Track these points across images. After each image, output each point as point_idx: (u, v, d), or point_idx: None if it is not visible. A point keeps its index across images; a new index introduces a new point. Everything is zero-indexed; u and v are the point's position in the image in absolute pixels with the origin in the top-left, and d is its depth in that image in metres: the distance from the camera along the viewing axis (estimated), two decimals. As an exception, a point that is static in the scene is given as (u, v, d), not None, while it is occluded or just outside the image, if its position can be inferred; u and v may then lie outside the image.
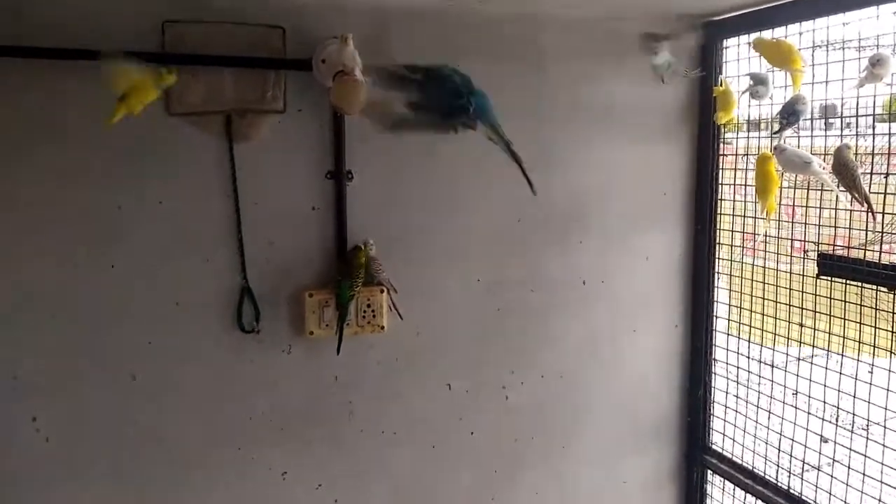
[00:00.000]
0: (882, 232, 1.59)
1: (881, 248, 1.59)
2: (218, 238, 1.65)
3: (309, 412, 1.79)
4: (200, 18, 1.56)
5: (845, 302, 1.65)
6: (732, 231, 2.01)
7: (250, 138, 1.65)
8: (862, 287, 1.62)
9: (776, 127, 1.74)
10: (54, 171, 1.52)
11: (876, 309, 1.60)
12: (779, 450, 1.88)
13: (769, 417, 1.91)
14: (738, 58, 1.91)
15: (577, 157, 1.95)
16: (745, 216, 1.96)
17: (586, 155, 1.96)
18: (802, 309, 1.77)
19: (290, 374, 1.76)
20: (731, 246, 2.02)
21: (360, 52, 1.56)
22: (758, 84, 1.75)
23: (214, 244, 1.66)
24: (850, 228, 1.66)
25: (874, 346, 1.61)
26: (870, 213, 1.55)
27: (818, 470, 1.76)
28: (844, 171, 1.50)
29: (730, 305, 2.07)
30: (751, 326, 1.95)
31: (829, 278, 1.68)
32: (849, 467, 1.67)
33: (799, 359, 1.80)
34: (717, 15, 1.92)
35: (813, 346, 1.76)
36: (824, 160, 1.64)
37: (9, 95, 1.47)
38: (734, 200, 2.00)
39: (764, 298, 1.89)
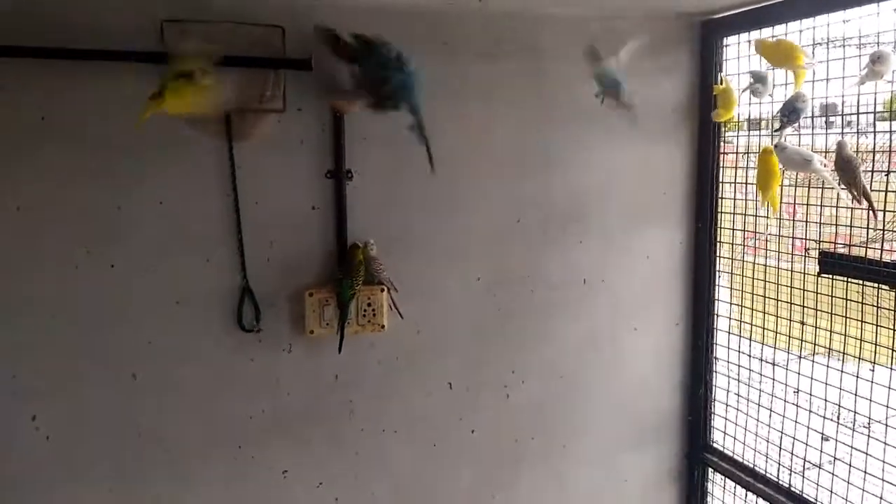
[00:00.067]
0: (883, 230, 1.59)
1: (882, 246, 1.59)
2: (218, 237, 1.66)
3: (309, 411, 1.79)
4: (200, 18, 1.56)
5: (846, 300, 1.65)
6: (733, 229, 2.01)
7: (250, 138, 1.65)
8: (863, 285, 1.62)
9: (776, 125, 1.73)
10: (54, 170, 1.52)
11: (877, 307, 1.60)
12: (780, 448, 1.87)
13: (770, 415, 1.90)
14: (739, 56, 1.91)
15: (577, 156, 1.95)
16: (745, 214, 1.96)
17: (586, 154, 1.96)
18: (804, 307, 1.77)
19: (291, 373, 1.76)
20: (732, 244, 2.02)
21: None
22: (758, 82, 1.74)
23: (214, 243, 1.66)
24: (851, 226, 1.65)
25: (875, 344, 1.60)
26: (870, 211, 1.54)
27: (819, 468, 1.76)
28: (847, 166, 1.50)
29: (731, 304, 2.06)
30: (752, 325, 1.95)
31: (831, 276, 1.67)
32: (850, 465, 1.66)
33: (800, 357, 1.80)
34: (717, 13, 1.92)
35: (814, 345, 1.75)
36: (825, 158, 1.64)
37: (8, 95, 1.47)
38: (735, 199, 2.00)
39: (765, 297, 1.89)
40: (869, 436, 1.63)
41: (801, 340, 1.78)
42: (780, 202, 1.74)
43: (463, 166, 1.84)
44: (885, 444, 1.59)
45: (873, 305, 1.60)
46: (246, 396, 1.73)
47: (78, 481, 1.62)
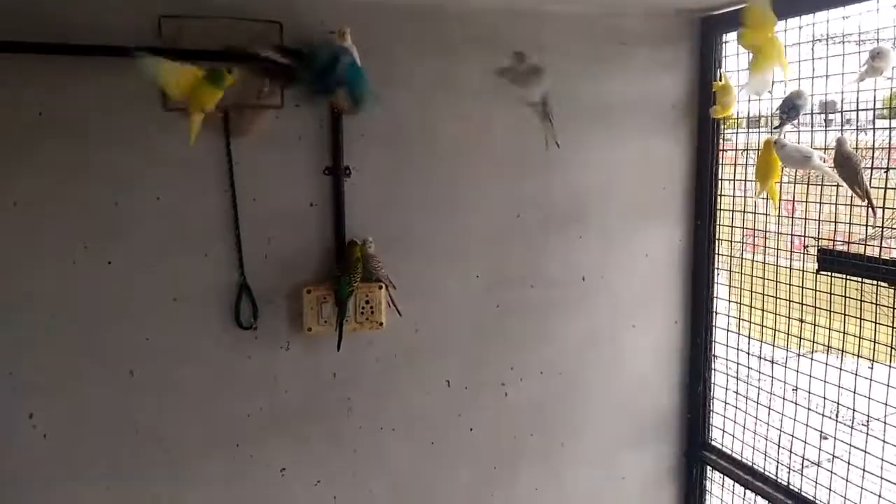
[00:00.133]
0: (882, 227, 1.59)
1: (881, 244, 1.58)
2: (215, 234, 1.65)
3: (307, 409, 1.78)
4: (198, 13, 1.55)
5: (845, 298, 1.64)
6: (732, 227, 2.01)
7: (248, 134, 1.64)
8: (862, 282, 1.62)
9: (776, 122, 1.73)
10: (53, 167, 1.52)
11: (876, 304, 1.60)
12: (779, 446, 1.87)
13: (769, 413, 1.90)
14: (738, 52, 1.90)
15: (576, 153, 1.95)
16: (744, 212, 1.95)
17: (586, 151, 1.96)
18: (802, 305, 1.77)
19: (289, 370, 1.76)
20: (731, 242, 2.02)
21: (357, 46, 1.55)
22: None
23: (212, 240, 1.65)
24: (850, 224, 1.65)
25: (874, 342, 1.60)
26: (870, 209, 1.54)
27: (818, 466, 1.76)
28: (847, 163, 1.49)
29: (730, 301, 2.06)
30: (751, 322, 1.94)
31: (830, 274, 1.67)
32: (849, 463, 1.66)
33: (799, 354, 1.79)
34: (716, 10, 1.92)
35: (813, 342, 1.75)
36: (825, 154, 1.63)
37: (7, 92, 1.46)
38: (734, 196, 2.00)
39: (764, 294, 1.89)
40: (868, 433, 1.62)
41: (800, 338, 1.78)
42: (780, 199, 1.74)
43: (462, 163, 1.84)
44: (883, 441, 1.59)
45: (872, 303, 1.60)
46: (244, 394, 1.72)
47: (76, 479, 1.61)
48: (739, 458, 2.02)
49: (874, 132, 1.61)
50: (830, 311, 1.68)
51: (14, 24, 1.42)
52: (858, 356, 1.62)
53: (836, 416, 1.72)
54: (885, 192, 1.55)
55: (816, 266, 1.70)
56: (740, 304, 1.99)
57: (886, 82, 1.52)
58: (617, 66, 1.95)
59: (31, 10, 1.45)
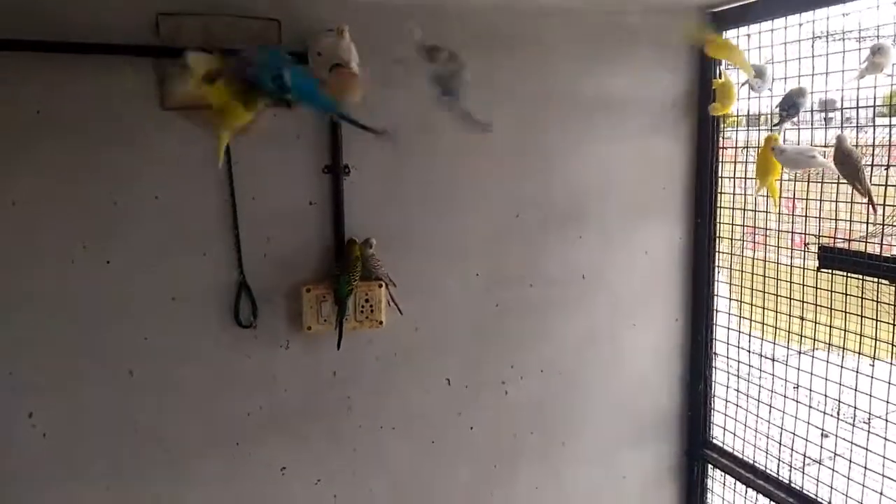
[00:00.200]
0: (883, 224, 1.58)
1: (882, 241, 1.58)
2: (214, 233, 1.65)
3: (307, 407, 1.78)
4: (196, 11, 1.54)
5: (846, 295, 1.64)
6: (732, 225, 2.00)
7: (246, 132, 1.63)
8: (863, 280, 1.62)
9: (776, 120, 1.72)
10: (52, 166, 1.51)
11: (877, 302, 1.59)
12: (780, 444, 1.87)
13: (770, 411, 1.90)
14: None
15: (576, 151, 1.95)
16: (745, 209, 1.95)
17: (585, 149, 1.96)
18: (803, 302, 1.76)
19: (288, 369, 1.75)
20: (731, 239, 2.01)
21: (355, 44, 1.55)
22: (757, 76, 1.74)
23: (211, 239, 1.65)
24: (850, 221, 1.65)
25: (875, 340, 1.60)
26: (870, 206, 1.53)
27: (819, 464, 1.76)
28: (847, 160, 1.49)
29: (730, 299, 2.06)
30: (751, 320, 1.94)
31: (830, 271, 1.67)
32: (850, 461, 1.66)
33: (800, 352, 1.79)
34: (717, 6, 1.91)
35: (814, 340, 1.75)
36: (825, 154, 1.63)
37: (5, 90, 1.46)
38: (734, 194, 2.00)
39: (764, 292, 1.88)
40: (869, 431, 1.62)
41: (801, 336, 1.77)
42: (780, 197, 1.74)
43: (461, 162, 1.83)
44: (885, 439, 1.59)
45: (873, 300, 1.60)
46: (243, 393, 1.72)
47: (75, 479, 1.61)
48: (741, 456, 2.01)
49: (874, 130, 1.61)
50: (831, 309, 1.67)
51: (12, 22, 1.42)
52: (859, 353, 1.62)
53: (838, 413, 1.72)
54: (885, 189, 1.54)
55: (817, 263, 1.69)
56: (741, 301, 1.99)
57: (886, 79, 1.52)
58: (617, 64, 1.94)
59: (30, 8, 1.44)
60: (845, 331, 1.65)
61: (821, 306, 1.71)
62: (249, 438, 1.74)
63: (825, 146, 1.67)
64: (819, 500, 1.75)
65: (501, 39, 1.82)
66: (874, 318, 1.60)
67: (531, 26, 1.84)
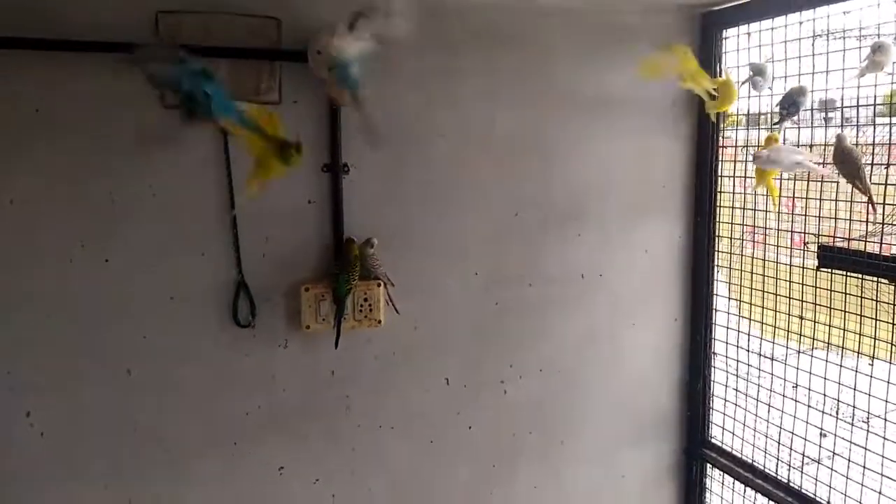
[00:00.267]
0: (882, 223, 1.58)
1: (881, 240, 1.58)
2: (213, 232, 1.64)
3: (306, 407, 1.78)
4: (195, 9, 1.54)
5: (846, 294, 1.64)
6: (732, 224, 2.00)
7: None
8: (862, 279, 1.62)
9: (776, 118, 1.72)
10: (50, 165, 1.50)
11: (877, 301, 1.59)
12: (779, 443, 1.87)
13: (769, 411, 1.90)
14: (738, 48, 1.90)
15: (575, 150, 1.94)
16: (744, 208, 1.95)
17: (585, 148, 1.95)
18: (803, 301, 1.76)
19: (287, 368, 1.75)
20: (731, 238, 2.01)
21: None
22: (757, 74, 1.73)
23: (209, 238, 1.64)
24: (850, 220, 1.65)
25: (875, 339, 1.60)
26: (870, 205, 1.53)
27: (818, 463, 1.76)
28: (847, 158, 1.49)
29: (729, 299, 2.06)
30: (750, 319, 1.94)
31: (830, 270, 1.67)
32: (849, 460, 1.66)
33: (799, 352, 1.79)
34: (716, 5, 1.91)
35: (813, 339, 1.75)
36: (824, 152, 1.63)
37: (4, 88, 1.45)
38: (734, 193, 1.99)
39: (764, 291, 1.88)
40: (868, 430, 1.62)
41: (801, 335, 1.77)
42: (780, 196, 1.73)
43: (460, 161, 1.83)
44: (884, 438, 1.59)
45: (873, 299, 1.60)
46: (242, 392, 1.72)
47: (74, 478, 1.60)
48: (740, 455, 2.01)
49: (874, 128, 1.61)
50: (831, 308, 1.67)
51: (11, 19, 1.41)
52: (859, 353, 1.62)
53: (837, 413, 1.72)
54: (885, 188, 1.54)
55: (817, 263, 1.69)
56: (740, 301, 1.99)
57: (887, 78, 1.52)
58: (617, 64, 1.94)
59: (29, 6, 1.43)
60: (844, 330, 1.65)
61: (820, 305, 1.71)
62: (248, 438, 1.73)
63: (825, 145, 1.66)
64: (818, 499, 1.75)
65: (501, 38, 1.81)
66: (873, 317, 1.60)
67: (531, 25, 1.84)
